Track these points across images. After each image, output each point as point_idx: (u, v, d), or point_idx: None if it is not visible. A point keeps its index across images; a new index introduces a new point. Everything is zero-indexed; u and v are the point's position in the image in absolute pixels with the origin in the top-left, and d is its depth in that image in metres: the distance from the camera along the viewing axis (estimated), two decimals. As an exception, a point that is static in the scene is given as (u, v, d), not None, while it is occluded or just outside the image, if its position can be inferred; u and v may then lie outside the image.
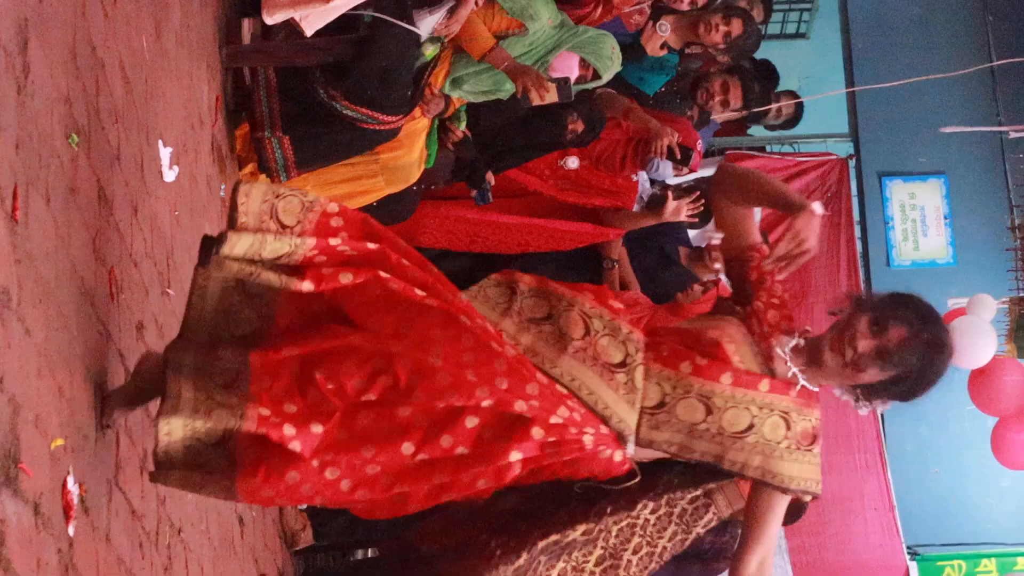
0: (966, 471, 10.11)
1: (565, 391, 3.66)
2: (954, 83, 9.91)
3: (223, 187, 5.60)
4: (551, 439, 3.58)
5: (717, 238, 7.60)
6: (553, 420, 3.57)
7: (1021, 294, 8.32)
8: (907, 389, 3.88)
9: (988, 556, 9.83)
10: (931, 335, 3.77)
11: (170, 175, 4.50)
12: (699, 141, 8.12)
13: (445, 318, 3.48)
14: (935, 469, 10.28)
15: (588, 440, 3.67)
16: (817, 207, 3.76)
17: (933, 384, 3.91)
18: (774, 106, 8.85)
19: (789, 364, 3.80)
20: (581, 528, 3.81)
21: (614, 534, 4.01)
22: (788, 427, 3.79)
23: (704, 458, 3.77)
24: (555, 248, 7.89)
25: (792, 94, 9.11)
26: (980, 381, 7.93)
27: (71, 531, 3.04)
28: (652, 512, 3.99)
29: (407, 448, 3.45)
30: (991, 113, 10.48)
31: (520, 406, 3.51)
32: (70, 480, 3.05)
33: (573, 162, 7.84)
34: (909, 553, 9.78)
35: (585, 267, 7.90)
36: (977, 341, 7.50)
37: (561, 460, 3.65)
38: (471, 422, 3.50)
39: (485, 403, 3.47)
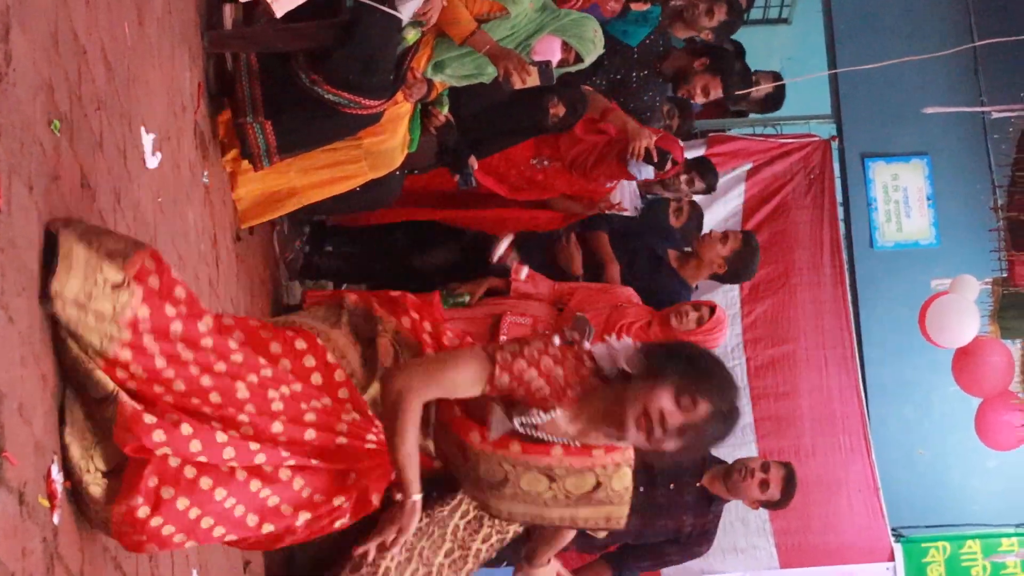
0: (950, 452, 10.12)
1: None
2: (936, 64, 9.89)
3: (206, 173, 5.58)
4: None
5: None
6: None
7: (1004, 275, 8.33)
8: (691, 456, 3.83)
9: (973, 537, 9.84)
10: (730, 407, 3.72)
11: (153, 161, 4.48)
12: (681, 150, 8.18)
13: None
14: (920, 450, 10.29)
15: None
16: None
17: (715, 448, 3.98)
18: (755, 90, 8.85)
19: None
20: None
21: (462, 527, 4.05)
22: (550, 480, 3.85)
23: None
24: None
25: (774, 75, 9.10)
26: (964, 362, 7.94)
27: (56, 520, 3.03)
28: None
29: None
30: (973, 94, 10.49)
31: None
32: (54, 468, 3.05)
33: (548, 162, 7.86)
34: (894, 535, 9.77)
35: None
36: (959, 320, 7.51)
37: None
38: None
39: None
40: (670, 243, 8.19)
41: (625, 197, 8.25)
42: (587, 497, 3.86)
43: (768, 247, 9.92)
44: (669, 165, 7.83)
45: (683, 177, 8.39)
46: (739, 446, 9.62)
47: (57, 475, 3.05)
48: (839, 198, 10.29)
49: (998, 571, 9.75)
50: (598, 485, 3.87)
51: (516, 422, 3.73)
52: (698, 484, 7.08)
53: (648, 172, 7.82)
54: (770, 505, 7.27)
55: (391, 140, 6.53)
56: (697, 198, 8.88)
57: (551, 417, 3.72)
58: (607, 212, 8.11)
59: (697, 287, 8.28)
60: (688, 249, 8.11)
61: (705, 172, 8.47)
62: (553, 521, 3.90)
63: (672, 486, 7.03)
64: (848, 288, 10.03)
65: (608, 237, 7.95)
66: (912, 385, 10.08)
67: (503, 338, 7.17)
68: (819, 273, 9.98)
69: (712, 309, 7.44)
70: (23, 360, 2.90)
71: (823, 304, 9.94)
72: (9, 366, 2.80)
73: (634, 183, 8.27)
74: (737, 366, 9.68)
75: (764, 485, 7.20)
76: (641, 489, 6.96)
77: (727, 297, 9.55)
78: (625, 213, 8.23)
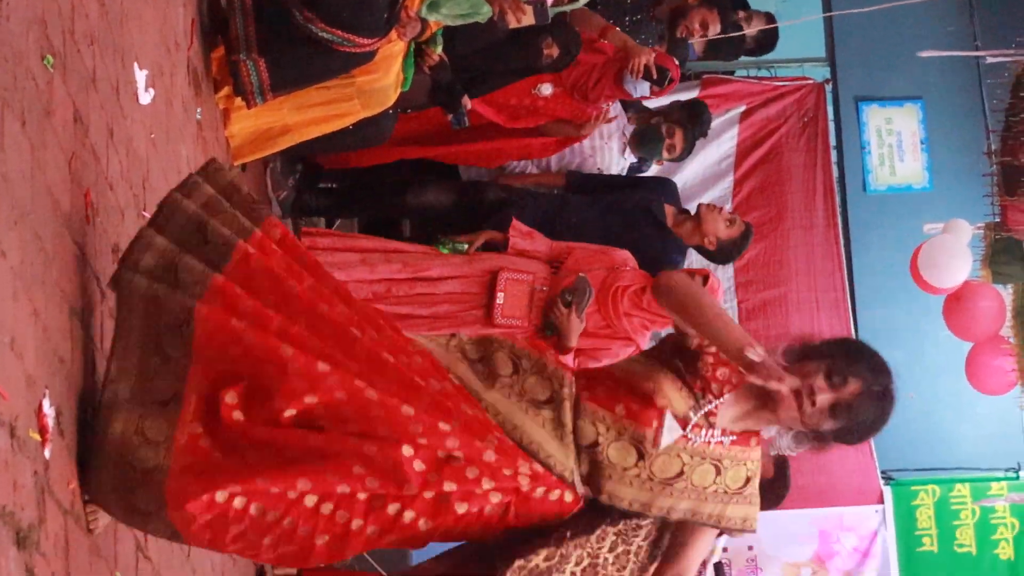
0: (941, 397, 10.13)
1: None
2: (931, 7, 9.87)
3: (199, 110, 5.57)
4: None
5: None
6: (486, 457, 3.59)
7: (997, 219, 8.32)
8: (854, 438, 3.90)
9: (962, 481, 9.88)
10: (883, 388, 3.83)
11: (146, 98, 4.47)
12: (677, 68, 8.14)
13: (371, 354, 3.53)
14: (910, 394, 10.26)
15: (524, 482, 3.67)
16: (755, 353, 3.64)
17: (877, 433, 3.98)
18: (747, 31, 8.83)
19: (716, 425, 3.77)
20: (543, 553, 3.78)
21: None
22: (718, 473, 3.79)
23: (632, 507, 3.79)
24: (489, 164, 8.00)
25: (768, 17, 9.07)
26: (955, 307, 7.95)
27: (47, 454, 3.04)
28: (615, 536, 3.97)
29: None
30: (968, 38, 10.46)
31: (451, 443, 3.52)
32: (46, 403, 3.05)
33: (547, 89, 7.84)
34: (884, 478, 9.83)
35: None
36: (951, 261, 7.50)
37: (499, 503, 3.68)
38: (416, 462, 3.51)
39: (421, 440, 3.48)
40: (667, 199, 8.17)
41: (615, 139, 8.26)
42: (739, 493, 3.84)
43: (761, 190, 9.95)
44: (667, 83, 7.84)
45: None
46: (731, 390, 9.68)
47: (48, 409, 3.05)
48: (832, 141, 10.29)
49: (987, 515, 9.81)
50: (747, 481, 3.85)
51: (690, 409, 3.74)
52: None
53: (644, 89, 7.82)
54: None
55: (384, 79, 6.52)
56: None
57: (722, 402, 3.74)
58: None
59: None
60: (688, 210, 8.10)
61: (699, 115, 8.44)
62: (703, 518, 3.84)
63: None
64: (840, 231, 10.04)
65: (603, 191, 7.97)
66: (903, 329, 10.09)
67: (500, 294, 7.20)
68: (812, 216, 9.98)
69: (705, 278, 7.45)
70: (15, 294, 2.90)
71: (815, 247, 9.95)
72: (1, 301, 2.80)
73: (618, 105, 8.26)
74: (729, 309, 9.68)
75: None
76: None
77: (719, 239, 9.55)
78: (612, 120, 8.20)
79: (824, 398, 3.68)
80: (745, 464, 3.85)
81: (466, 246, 7.53)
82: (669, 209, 8.01)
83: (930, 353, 9.99)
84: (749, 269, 9.84)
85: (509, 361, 3.76)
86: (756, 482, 3.88)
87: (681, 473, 3.76)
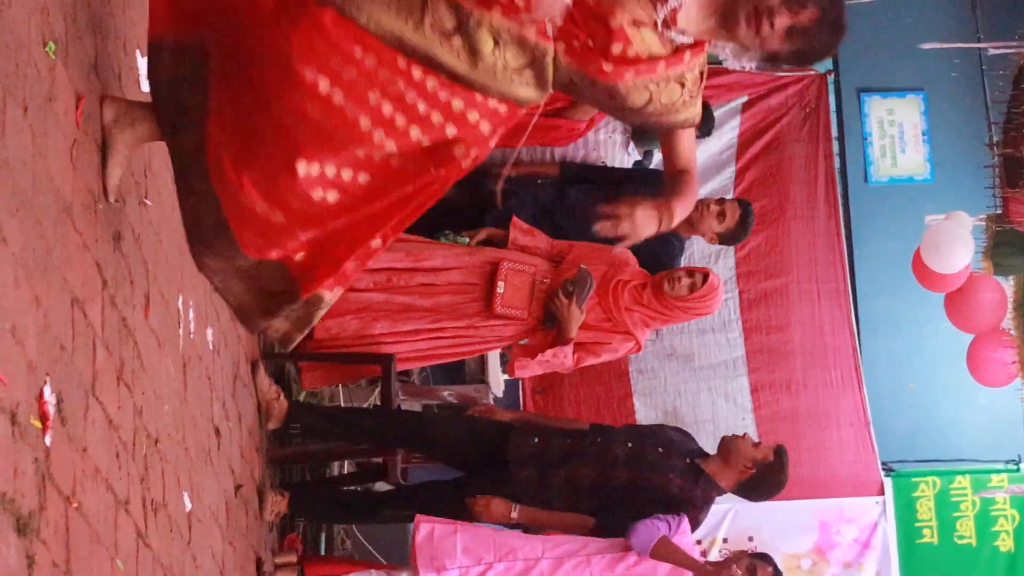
0: (941, 388, 10.16)
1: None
2: (934, 0, 9.91)
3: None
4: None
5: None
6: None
7: (999, 211, 8.32)
8: (806, 59, 3.98)
9: (962, 473, 9.88)
10: (839, 16, 3.86)
11: (148, 85, 4.47)
12: None
13: None
14: (910, 385, 10.32)
15: (484, 127, 3.76)
16: None
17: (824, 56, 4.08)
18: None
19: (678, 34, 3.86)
20: None
21: None
22: (682, 86, 3.95)
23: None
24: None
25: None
26: (956, 299, 7.95)
27: (48, 441, 3.04)
28: None
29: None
30: (970, 30, 10.46)
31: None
32: (47, 390, 3.06)
33: None
34: (884, 469, 9.82)
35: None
36: (953, 245, 7.49)
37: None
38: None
39: None
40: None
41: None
42: (696, 93, 4.05)
43: (762, 181, 9.94)
44: None
45: None
46: (730, 379, 9.69)
47: (50, 396, 3.05)
48: (834, 132, 10.28)
49: (987, 507, 9.81)
50: (701, 77, 4.03)
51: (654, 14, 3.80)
52: (689, 460, 7.11)
53: None
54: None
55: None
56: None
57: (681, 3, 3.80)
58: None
59: (690, 236, 8.25)
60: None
61: (703, 117, 8.45)
62: (676, 124, 4.07)
63: (661, 450, 7.06)
64: (842, 223, 10.03)
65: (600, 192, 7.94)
66: (904, 320, 10.11)
67: (500, 283, 7.20)
68: (813, 207, 9.97)
69: (705, 276, 7.45)
70: (16, 281, 2.90)
71: (816, 238, 9.94)
72: (2, 287, 2.81)
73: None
74: (730, 299, 9.70)
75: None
76: (629, 445, 7.04)
77: (722, 229, 9.55)
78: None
79: (782, 20, 3.75)
80: (698, 65, 3.99)
81: (468, 240, 7.53)
82: None
83: (930, 344, 10.03)
84: (750, 259, 9.84)
85: (490, 37, 3.78)
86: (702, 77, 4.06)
87: (650, 99, 3.90)
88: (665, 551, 6.90)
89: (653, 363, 9.78)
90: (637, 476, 6.98)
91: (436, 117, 3.63)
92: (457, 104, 3.64)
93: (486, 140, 3.74)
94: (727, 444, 7.08)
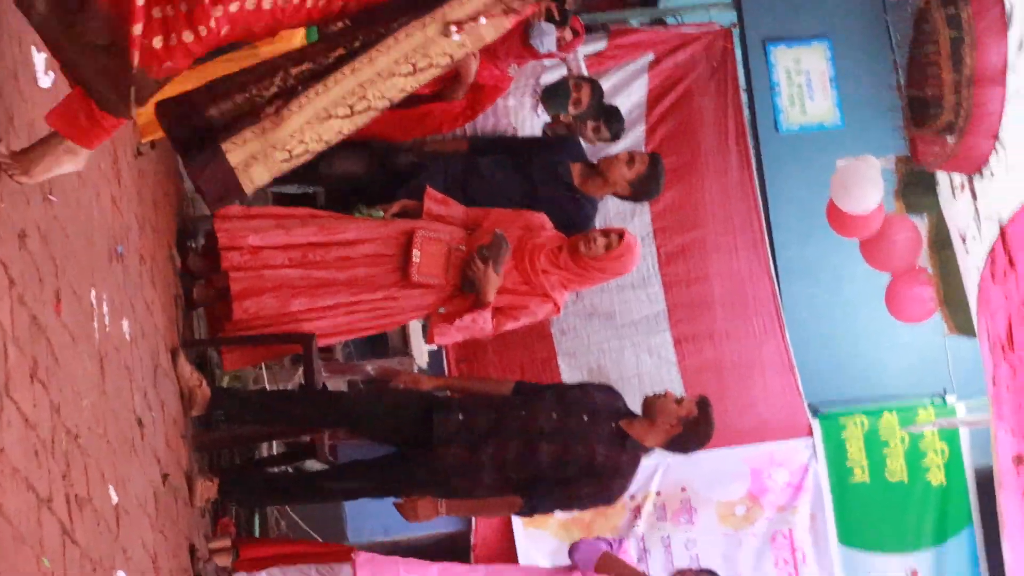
0: (864, 329, 10.21)
1: None
2: (834, -55, 9.97)
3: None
4: None
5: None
6: None
7: (908, 153, 8.37)
8: None
9: (890, 409, 9.98)
10: None
11: (45, 81, 4.45)
12: (578, 20, 8.16)
13: None
14: (831, 329, 10.38)
15: None
16: None
17: None
18: None
19: None
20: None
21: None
22: None
23: None
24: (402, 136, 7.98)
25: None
26: (872, 241, 8.02)
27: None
28: None
29: None
30: (872, -26, 10.52)
31: None
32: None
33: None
34: (811, 411, 9.93)
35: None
36: (861, 185, 7.52)
37: None
38: None
39: None
40: (574, 157, 8.20)
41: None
42: None
43: (673, 137, 10.01)
44: (570, 35, 7.86)
45: (589, 124, 8.44)
46: (653, 333, 9.76)
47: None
48: (742, 84, 10.34)
49: (916, 442, 9.92)
50: None
51: None
52: (615, 424, 7.14)
53: (551, 43, 7.83)
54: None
55: (288, 45, 6.48)
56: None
57: None
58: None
59: (603, 198, 8.28)
60: (592, 163, 8.12)
61: (612, 120, 8.53)
62: None
63: (586, 417, 7.09)
64: (755, 172, 10.11)
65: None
66: (823, 265, 10.18)
67: (416, 252, 7.20)
68: (725, 159, 10.04)
69: (620, 235, 7.47)
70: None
71: (730, 189, 10.03)
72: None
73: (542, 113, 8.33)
74: (648, 255, 9.78)
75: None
76: (554, 416, 7.06)
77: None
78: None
79: None
80: None
81: (382, 213, 7.53)
82: (576, 167, 8.06)
83: (849, 287, 10.10)
84: (666, 215, 9.91)
85: None
86: None
87: None
88: (610, 565, 6.97)
89: (575, 323, 9.83)
90: (563, 449, 7.00)
91: None
92: None
93: None
94: (650, 405, 7.12)
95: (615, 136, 8.68)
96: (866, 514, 9.93)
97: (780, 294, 10.03)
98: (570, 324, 9.81)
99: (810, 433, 9.84)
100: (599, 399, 7.26)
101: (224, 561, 6.89)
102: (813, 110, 10.47)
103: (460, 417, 7.04)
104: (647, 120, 9.99)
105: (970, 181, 5.77)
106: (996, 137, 5.30)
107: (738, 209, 10.03)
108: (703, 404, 7.09)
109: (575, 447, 6.99)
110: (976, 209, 5.67)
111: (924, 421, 9.85)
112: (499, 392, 7.34)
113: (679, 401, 7.09)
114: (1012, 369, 5.41)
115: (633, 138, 9.84)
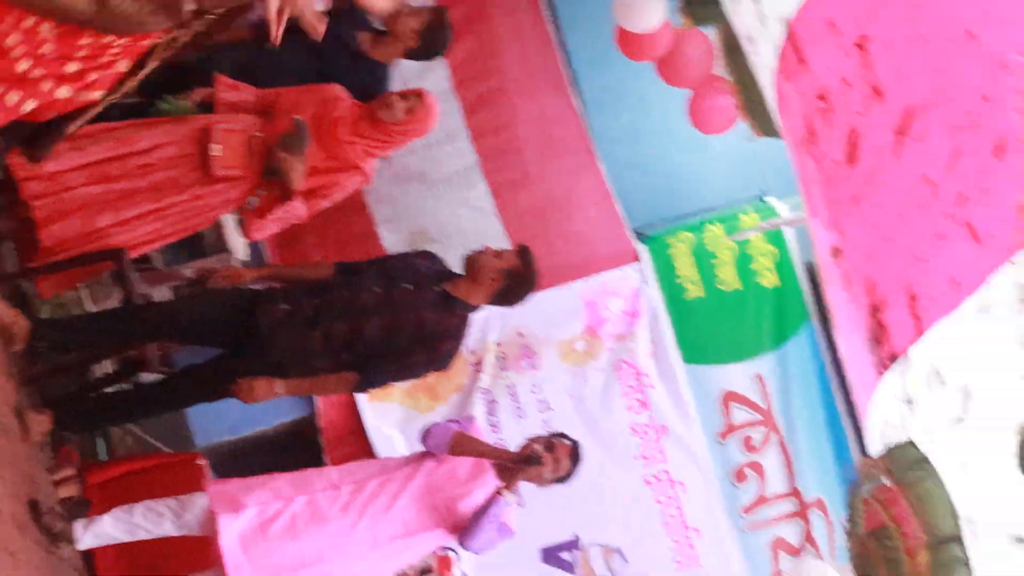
0: (675, 146, 10.17)
1: None
2: None
3: None
4: None
5: None
6: None
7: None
8: None
9: (711, 221, 10.00)
10: None
11: None
12: None
13: None
14: (645, 152, 10.36)
15: None
16: None
17: None
18: None
19: None
20: None
21: None
22: None
23: None
24: None
25: None
26: (666, 58, 7.96)
27: None
28: None
29: None
30: None
31: None
32: None
33: None
34: (637, 237, 9.92)
35: None
36: (641, 2, 7.45)
37: None
38: None
39: None
40: (359, 26, 8.05)
41: None
42: None
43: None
44: None
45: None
46: (469, 187, 9.72)
47: None
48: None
49: (744, 248, 9.95)
50: None
51: None
52: (439, 288, 7.10)
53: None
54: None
55: None
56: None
57: None
58: None
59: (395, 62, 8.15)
60: (379, 27, 7.99)
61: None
62: None
63: (410, 286, 7.05)
64: (546, 10, 9.97)
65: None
66: (626, 91, 10.11)
67: (214, 147, 7.07)
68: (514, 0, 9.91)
69: (419, 95, 7.39)
70: None
71: (524, 31, 9.90)
72: None
73: None
74: (452, 109, 9.66)
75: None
76: (378, 290, 7.01)
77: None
78: None
79: None
80: None
81: (188, 104, 7.39)
82: (363, 35, 7.93)
83: (658, 108, 10.05)
84: (464, 66, 9.78)
85: None
86: None
87: None
88: (463, 445, 6.94)
89: (390, 189, 9.70)
90: (391, 321, 6.99)
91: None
92: None
93: None
94: (471, 262, 7.09)
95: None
96: (705, 328, 10.01)
97: (589, 126, 9.97)
98: (385, 191, 9.66)
99: (637, 258, 9.83)
100: (421, 265, 7.23)
101: (71, 491, 6.79)
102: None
103: (284, 306, 6.97)
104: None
105: (749, -17, 5.71)
106: (764, -65, 5.24)
107: (535, 49, 9.91)
108: (524, 253, 7.07)
109: (403, 317, 6.98)
110: (759, 11, 5.62)
111: (748, 226, 9.89)
112: (320, 276, 7.27)
113: (499, 254, 7.07)
114: (817, 162, 5.41)
115: (414, -8, 9.67)
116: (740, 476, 10.07)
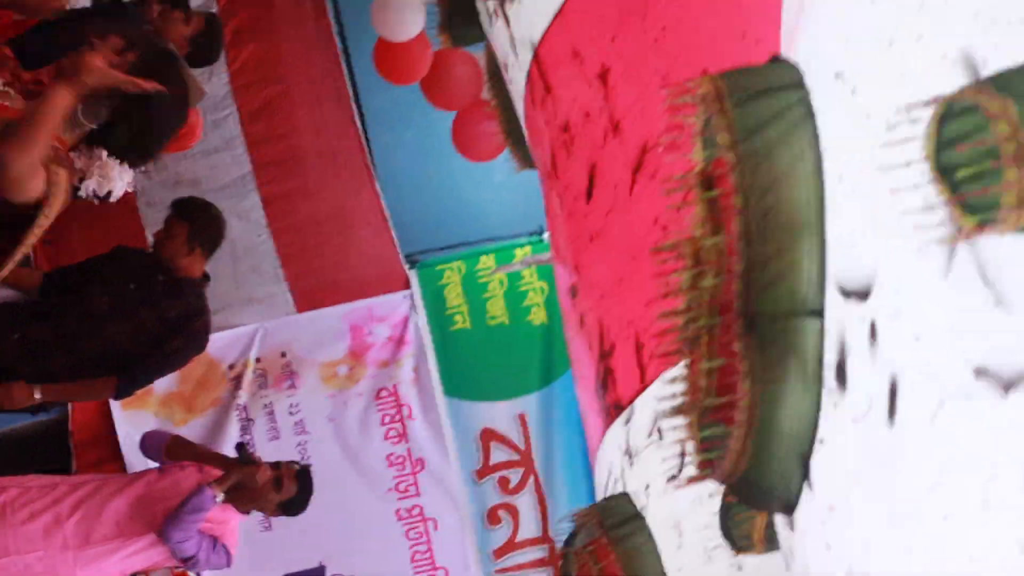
0: (459, 172, 9.99)
1: None
2: None
3: None
4: None
5: None
6: None
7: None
8: None
9: (486, 252, 9.78)
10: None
11: None
12: None
13: None
14: (426, 175, 10.19)
15: None
16: None
17: None
18: None
19: None
20: None
21: None
22: None
23: None
24: None
25: None
26: (429, 79, 7.74)
27: None
28: None
29: None
30: None
31: None
32: None
33: None
34: (409, 262, 9.71)
35: None
36: (399, 9, 7.24)
37: None
38: None
39: None
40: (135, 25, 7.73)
41: None
42: None
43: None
44: None
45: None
46: (241, 196, 9.43)
47: None
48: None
49: (515, 283, 9.78)
50: None
51: None
52: (161, 277, 6.89)
53: None
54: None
55: None
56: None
57: None
58: None
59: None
60: (147, 26, 7.69)
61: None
62: None
63: (135, 285, 6.82)
64: (333, 20, 9.76)
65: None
66: (410, 109, 9.88)
67: None
68: (301, 10, 9.68)
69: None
70: None
71: (308, 40, 9.66)
72: None
73: None
74: (229, 115, 9.39)
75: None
76: (107, 300, 6.76)
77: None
78: None
79: None
80: None
81: None
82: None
83: (440, 128, 9.82)
84: (245, 72, 9.49)
85: None
86: None
87: None
88: (180, 449, 6.74)
89: (162, 194, 9.33)
90: (133, 325, 6.77)
91: None
92: None
93: None
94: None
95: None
96: (471, 362, 9.80)
97: (370, 143, 9.75)
98: (157, 196, 9.30)
99: (407, 285, 9.63)
100: (138, 262, 7.01)
101: None
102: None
103: (16, 337, 6.70)
104: (213, -23, 9.55)
105: (501, 6, 5.50)
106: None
107: (318, 60, 9.67)
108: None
109: (143, 317, 6.77)
110: (511, 35, 5.43)
111: (520, 260, 9.75)
112: (31, 285, 6.98)
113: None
114: (559, 196, 5.24)
115: (203, -2, 9.41)
116: (494, 518, 9.87)
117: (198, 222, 7.05)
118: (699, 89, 2.57)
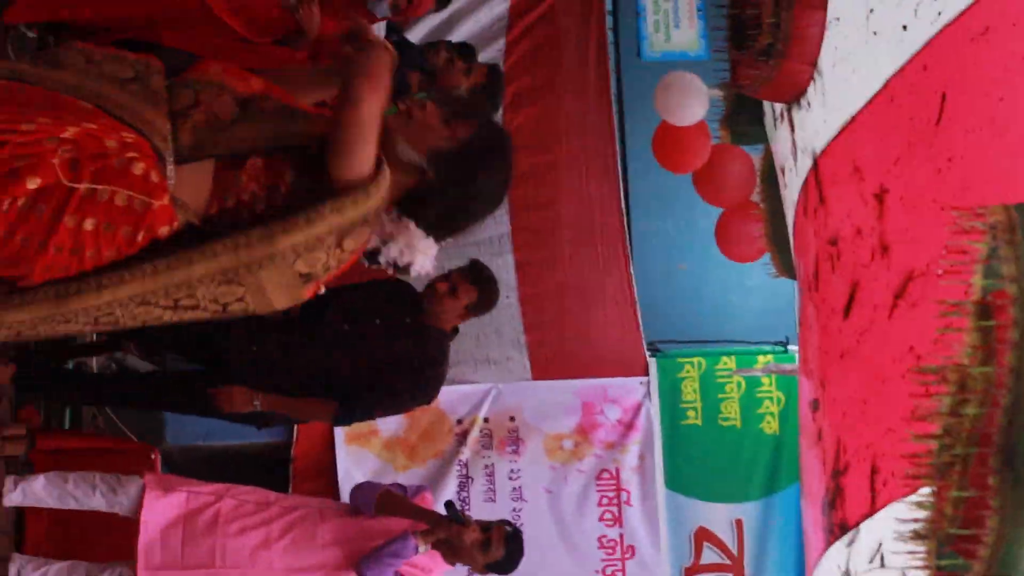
0: (713, 269, 9.99)
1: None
2: None
3: None
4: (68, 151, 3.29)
5: None
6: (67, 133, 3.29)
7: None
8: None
9: (728, 354, 9.74)
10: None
11: None
12: None
13: None
14: (681, 265, 10.19)
15: (112, 144, 3.35)
16: None
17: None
18: None
19: None
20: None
21: None
22: None
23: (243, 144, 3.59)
24: None
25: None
26: (703, 171, 7.71)
27: None
28: None
29: None
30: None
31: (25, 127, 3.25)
32: None
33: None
34: (650, 350, 9.70)
35: None
36: (685, 93, 7.22)
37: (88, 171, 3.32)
38: None
39: None
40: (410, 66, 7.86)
41: None
42: None
43: (533, 54, 9.76)
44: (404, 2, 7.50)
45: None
46: (495, 255, 9.48)
47: None
48: (608, 7, 10.07)
49: (753, 388, 9.70)
50: None
51: None
52: (410, 319, 6.97)
53: (384, 9, 7.52)
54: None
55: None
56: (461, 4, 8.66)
57: None
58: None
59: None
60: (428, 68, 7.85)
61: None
62: None
63: (379, 322, 6.92)
64: (613, 98, 9.85)
65: None
66: (675, 199, 9.94)
67: None
68: (584, 82, 9.79)
69: None
70: None
71: (587, 114, 9.78)
72: None
73: None
74: (498, 177, 9.47)
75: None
76: (347, 327, 6.87)
77: (489, 109, 9.30)
78: None
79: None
80: None
81: None
82: (412, 74, 7.73)
83: (702, 223, 9.82)
84: (520, 135, 9.60)
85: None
86: None
87: None
88: (390, 505, 6.77)
89: (414, 242, 9.53)
90: (368, 360, 6.86)
91: None
92: None
93: None
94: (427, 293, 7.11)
95: (442, 5, 8.28)
96: (696, 459, 9.71)
97: (630, 225, 9.79)
98: (409, 243, 9.49)
99: (646, 372, 9.61)
100: (388, 297, 7.12)
101: (16, 450, 6.65)
102: (678, 38, 10.23)
103: (253, 348, 6.85)
104: (508, 35, 9.72)
105: (788, 111, 5.49)
106: (814, 64, 5.02)
107: (593, 134, 9.77)
108: (475, 268, 7.20)
109: (377, 354, 6.84)
110: (794, 141, 5.40)
111: (760, 366, 9.67)
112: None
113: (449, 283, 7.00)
114: (816, 309, 5.18)
115: (492, 53, 9.62)
116: (694, 617, 9.77)
117: (485, 293, 7.10)
118: (990, 217, 2.52)
